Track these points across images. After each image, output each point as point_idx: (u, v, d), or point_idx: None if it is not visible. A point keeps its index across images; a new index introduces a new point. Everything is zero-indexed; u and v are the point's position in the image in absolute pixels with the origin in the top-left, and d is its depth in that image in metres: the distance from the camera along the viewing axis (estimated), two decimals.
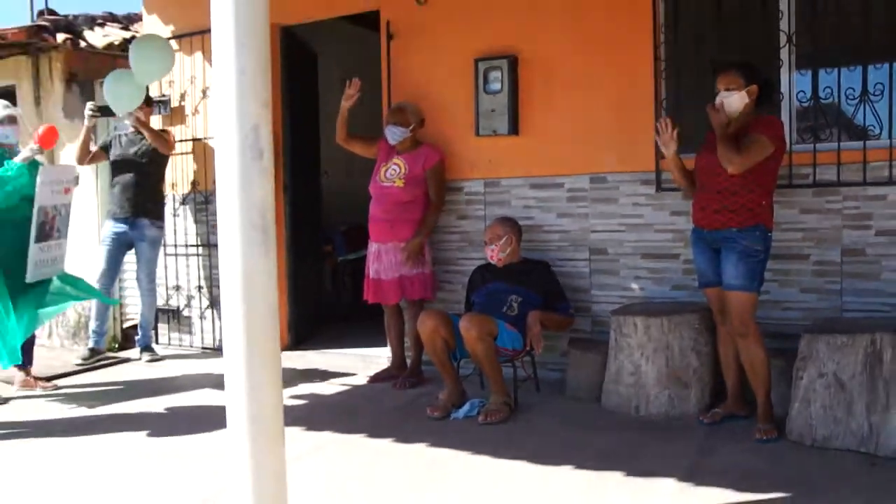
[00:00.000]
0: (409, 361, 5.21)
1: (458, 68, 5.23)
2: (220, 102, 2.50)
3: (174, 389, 5.27)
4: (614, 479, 3.38)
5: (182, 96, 6.48)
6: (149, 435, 4.32)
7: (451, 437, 3.99)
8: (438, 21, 5.31)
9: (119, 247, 6.12)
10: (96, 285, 5.76)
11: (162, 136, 6.14)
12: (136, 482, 3.62)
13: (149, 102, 6.07)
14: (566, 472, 3.48)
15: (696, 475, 3.38)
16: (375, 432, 4.11)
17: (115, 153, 6.12)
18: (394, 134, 5.15)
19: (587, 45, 4.86)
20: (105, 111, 5.99)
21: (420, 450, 3.86)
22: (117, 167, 6.13)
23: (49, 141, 5.09)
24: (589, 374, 4.59)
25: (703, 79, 4.18)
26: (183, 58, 6.35)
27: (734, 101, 3.83)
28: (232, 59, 2.46)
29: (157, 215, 6.17)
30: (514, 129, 5.09)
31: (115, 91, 5.70)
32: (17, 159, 4.89)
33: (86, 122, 6.03)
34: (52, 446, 4.20)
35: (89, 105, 6.06)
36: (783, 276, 4.38)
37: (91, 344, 6.17)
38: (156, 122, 6.47)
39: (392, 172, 5.14)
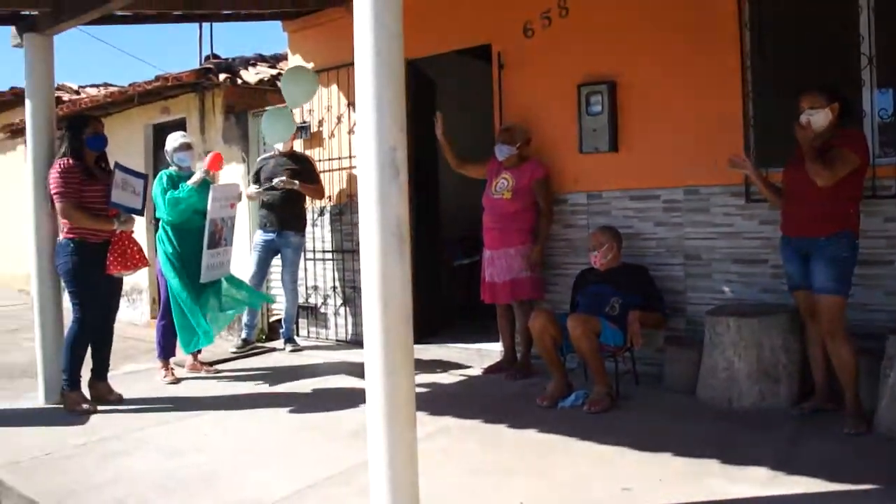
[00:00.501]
0: (519, 355, 5.17)
1: (562, 93, 5.16)
2: (362, 127, 2.54)
3: (315, 374, 5.37)
4: (711, 465, 3.26)
5: (320, 122, 6.62)
6: (297, 411, 4.43)
7: (559, 423, 3.92)
8: (544, 52, 5.26)
9: (268, 253, 6.27)
10: (248, 283, 5.94)
11: (315, 188, 6.29)
12: (287, 450, 3.72)
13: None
14: (666, 458, 3.37)
15: (787, 464, 3.22)
16: (490, 418, 4.08)
17: (265, 176, 6.22)
18: (502, 151, 5.12)
19: (679, 69, 4.71)
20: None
21: (531, 435, 3.82)
22: (268, 188, 6.24)
23: (216, 165, 5.32)
24: (684, 369, 4.45)
25: (786, 98, 4.00)
26: (321, 89, 6.48)
27: (819, 118, 3.67)
28: (372, 90, 2.51)
29: (299, 228, 6.31)
30: (613, 146, 4.99)
31: (271, 126, 5.94)
32: (191, 182, 5.11)
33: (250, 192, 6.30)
34: (219, 418, 4.35)
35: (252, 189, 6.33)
36: (869, 281, 4.12)
37: (244, 335, 6.36)
38: (297, 145, 6.64)
39: (501, 185, 5.12)
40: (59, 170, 4.50)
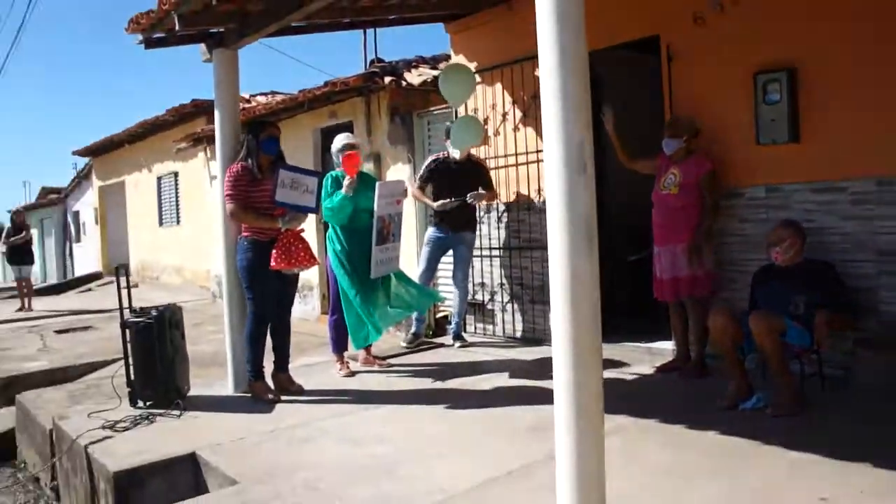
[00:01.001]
0: (692, 354, 5.01)
1: (737, 82, 4.94)
2: (547, 122, 2.54)
3: (485, 371, 5.43)
4: None
5: (485, 121, 6.68)
6: (471, 407, 4.47)
7: (742, 426, 3.76)
8: (716, 40, 5.05)
9: (440, 250, 6.33)
10: (417, 280, 6.07)
11: (493, 194, 6.40)
12: (465, 444, 3.78)
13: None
14: (865, 468, 3.14)
15: None
16: (667, 418, 3.97)
17: (444, 184, 6.19)
18: (669, 145, 4.98)
19: (865, 53, 4.39)
20: None
21: (712, 437, 3.68)
22: (440, 189, 6.23)
23: (350, 168, 5.35)
24: (878, 372, 4.16)
25: None
26: (485, 88, 6.56)
27: None
28: (557, 84, 2.51)
29: (473, 227, 6.36)
30: (794, 136, 4.72)
31: (461, 133, 6.06)
32: (344, 190, 5.24)
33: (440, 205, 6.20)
34: (396, 411, 4.49)
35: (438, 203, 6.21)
36: None
37: (414, 329, 6.53)
38: None
39: (669, 181, 4.99)
40: (230, 174, 4.81)
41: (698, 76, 5.21)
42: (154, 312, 4.74)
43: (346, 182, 5.22)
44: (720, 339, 4.21)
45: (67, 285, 18.87)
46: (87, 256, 21.24)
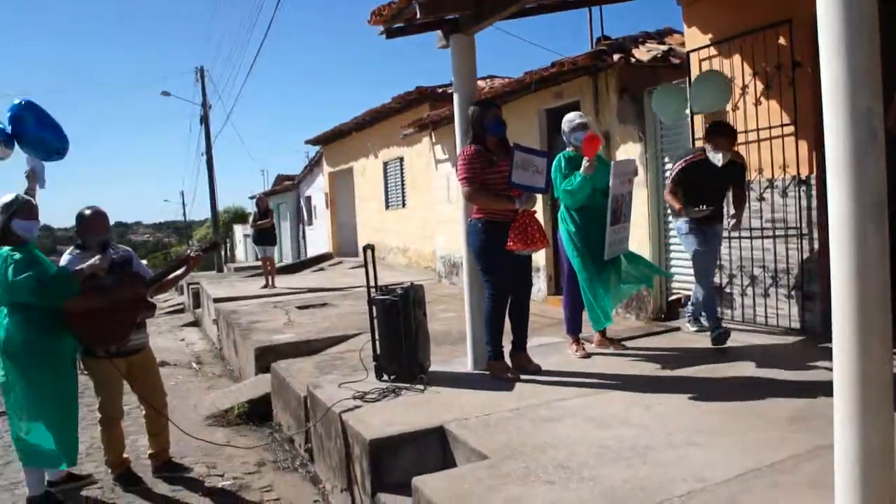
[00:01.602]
0: None
1: None
2: (829, 88, 2.34)
3: (728, 357, 5.19)
4: None
5: None
6: (718, 394, 4.27)
7: None
8: None
9: (703, 234, 5.69)
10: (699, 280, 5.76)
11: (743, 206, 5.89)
12: (719, 432, 3.59)
13: None
14: None
15: None
16: None
17: (701, 188, 5.62)
18: None
19: None
20: None
21: None
22: (693, 194, 5.65)
23: (591, 150, 5.25)
24: None
25: None
26: (721, 61, 6.22)
27: None
28: (842, 44, 2.29)
29: (723, 218, 5.85)
30: None
31: (663, 105, 5.84)
32: (583, 171, 5.18)
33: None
34: (637, 395, 4.37)
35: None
36: None
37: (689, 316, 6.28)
38: (699, 120, 6.44)
39: None
40: (464, 156, 4.88)
41: None
42: (399, 291, 4.97)
43: (585, 163, 5.16)
44: None
45: (302, 265, 20.40)
46: (318, 238, 22.84)
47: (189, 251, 5.02)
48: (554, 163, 5.29)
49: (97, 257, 4.49)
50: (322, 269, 18.63)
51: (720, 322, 5.64)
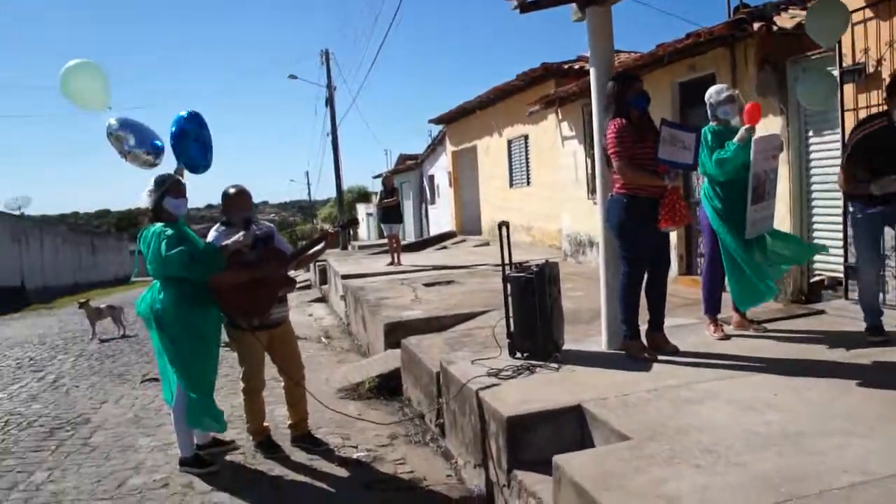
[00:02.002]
0: None
1: None
2: None
3: (881, 343, 4.83)
4: None
5: (878, 62, 5.92)
6: (873, 381, 3.98)
7: None
8: None
9: (877, 227, 5.02)
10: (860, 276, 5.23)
11: None
12: (878, 424, 3.38)
13: None
14: None
15: None
16: None
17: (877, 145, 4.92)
18: None
19: None
20: None
21: None
22: (878, 162, 4.83)
23: (754, 117, 5.10)
24: None
25: None
26: (878, 23, 5.81)
27: None
28: None
29: None
30: None
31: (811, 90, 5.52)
32: (737, 139, 5.00)
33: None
34: (783, 378, 4.18)
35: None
36: None
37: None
38: (848, 91, 6.05)
39: None
40: (614, 130, 4.74)
41: None
42: (535, 268, 4.94)
43: (743, 130, 5.01)
44: None
45: (426, 243, 20.69)
46: (441, 217, 23.06)
47: (328, 228, 5.16)
48: (702, 137, 5.09)
49: (242, 233, 4.68)
50: (445, 248, 18.82)
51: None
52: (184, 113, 5.07)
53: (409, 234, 27.36)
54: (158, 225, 4.51)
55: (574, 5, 5.38)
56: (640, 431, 3.45)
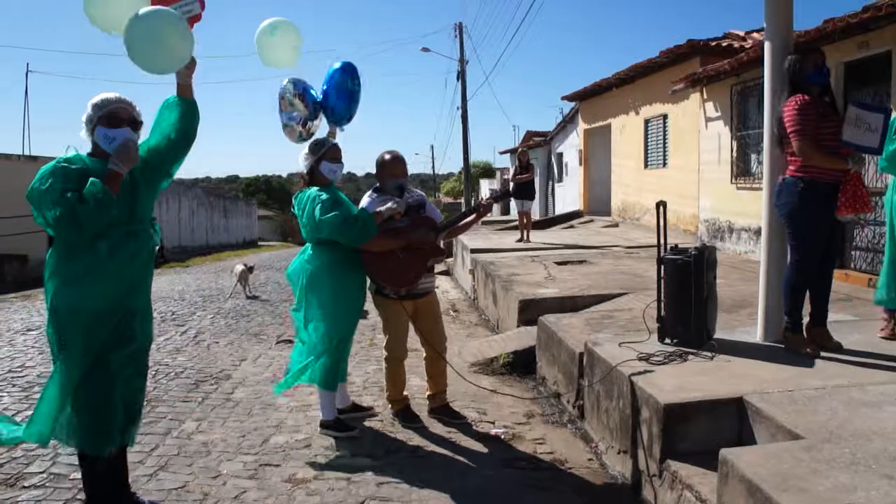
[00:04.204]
0: None
1: None
2: None
3: None
4: None
5: None
6: None
7: None
8: None
9: None
10: None
11: None
12: None
13: None
14: None
15: None
16: None
17: None
18: None
19: None
20: None
21: None
22: None
23: None
24: None
25: None
26: None
27: None
28: None
29: None
30: None
31: None
32: None
33: None
34: None
35: None
36: None
37: None
38: None
39: None
40: (796, 106, 4.41)
41: None
42: (693, 251, 4.70)
43: None
44: None
45: (553, 221, 20.45)
46: (568, 195, 22.72)
47: (482, 199, 5.09)
48: (890, 121, 4.67)
49: (395, 200, 4.67)
50: (572, 227, 18.54)
51: None
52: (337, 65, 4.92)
53: (534, 212, 27.11)
54: (314, 189, 4.56)
55: None
56: (815, 432, 3.21)
